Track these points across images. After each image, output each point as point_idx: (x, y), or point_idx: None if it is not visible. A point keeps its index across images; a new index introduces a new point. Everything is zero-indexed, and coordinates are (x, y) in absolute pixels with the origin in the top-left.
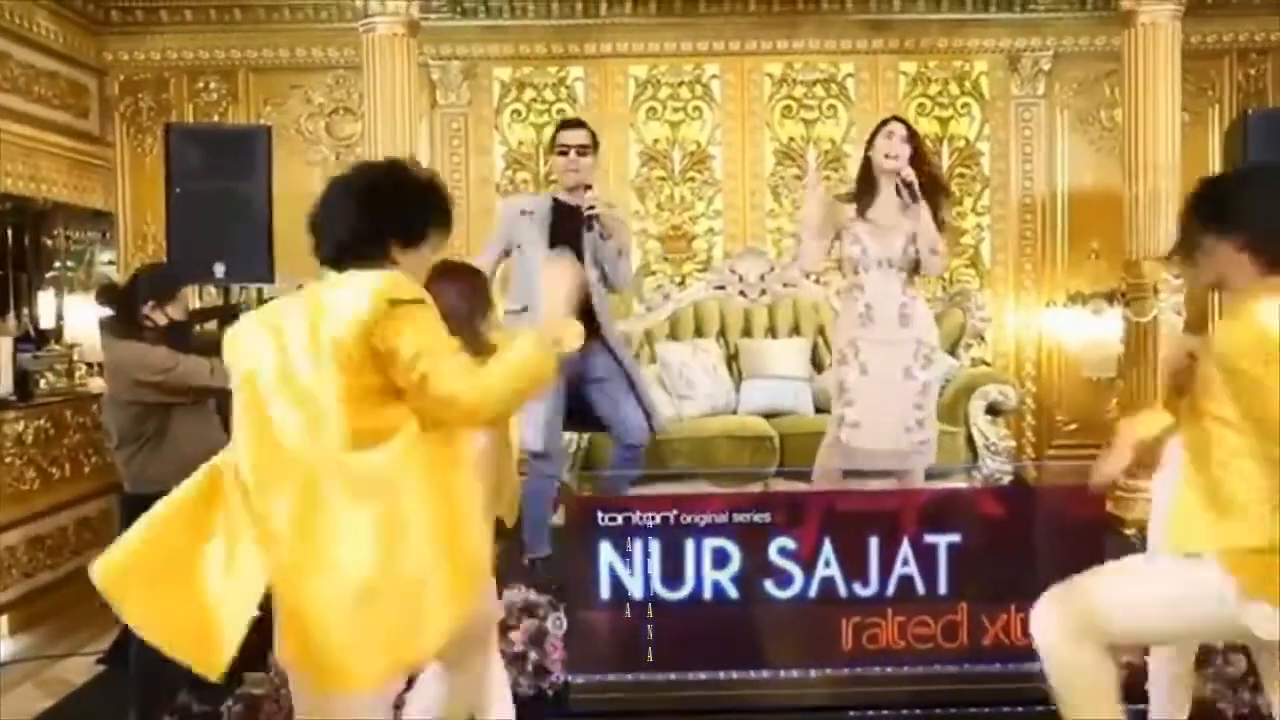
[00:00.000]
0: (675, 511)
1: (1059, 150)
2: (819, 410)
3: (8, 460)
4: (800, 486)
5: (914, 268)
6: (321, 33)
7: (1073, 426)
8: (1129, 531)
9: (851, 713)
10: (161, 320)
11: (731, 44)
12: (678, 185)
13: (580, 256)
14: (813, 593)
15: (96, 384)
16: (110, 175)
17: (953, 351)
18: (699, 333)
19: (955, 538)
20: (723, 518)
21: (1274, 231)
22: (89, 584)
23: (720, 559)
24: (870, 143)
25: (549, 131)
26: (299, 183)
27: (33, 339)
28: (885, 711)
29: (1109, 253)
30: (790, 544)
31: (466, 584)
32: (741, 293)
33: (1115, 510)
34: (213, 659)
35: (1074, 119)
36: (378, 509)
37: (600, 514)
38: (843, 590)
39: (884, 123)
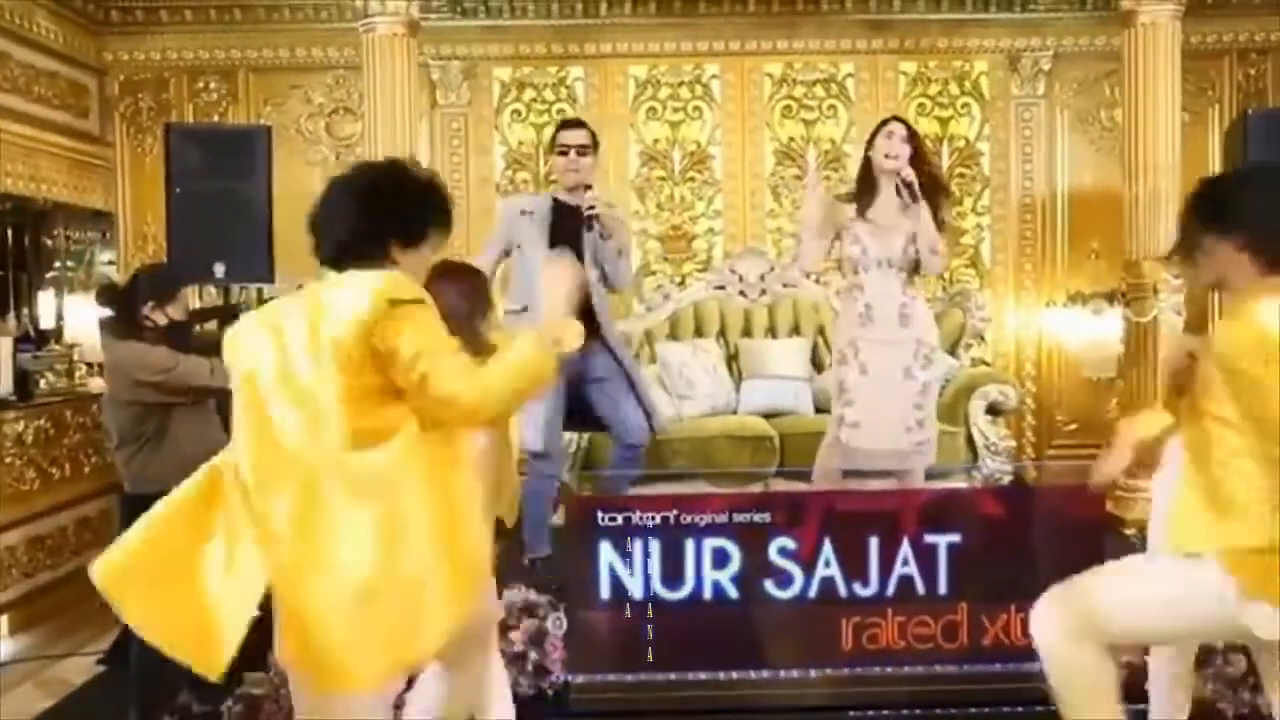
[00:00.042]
0: (675, 511)
1: (1059, 150)
2: (819, 410)
3: (8, 460)
4: (800, 486)
5: (914, 268)
6: (321, 33)
7: (1073, 426)
8: (1129, 531)
9: (851, 713)
10: (161, 320)
11: (731, 44)
12: (678, 185)
13: (580, 256)
14: (813, 593)
15: (96, 384)
16: (110, 175)
17: (953, 351)
18: (699, 333)
19: (955, 538)
20: (723, 518)
21: (1274, 231)
22: (89, 584)
23: (720, 559)
24: (870, 143)
25: (549, 131)
26: (299, 183)
27: (33, 339)
28: (885, 712)
29: (1109, 253)
30: (790, 544)
31: (466, 584)
32: (741, 293)
33: (1115, 510)
34: (212, 659)
35: (1074, 119)
36: (377, 509)
37: (600, 514)
38: (843, 590)
39: (884, 123)
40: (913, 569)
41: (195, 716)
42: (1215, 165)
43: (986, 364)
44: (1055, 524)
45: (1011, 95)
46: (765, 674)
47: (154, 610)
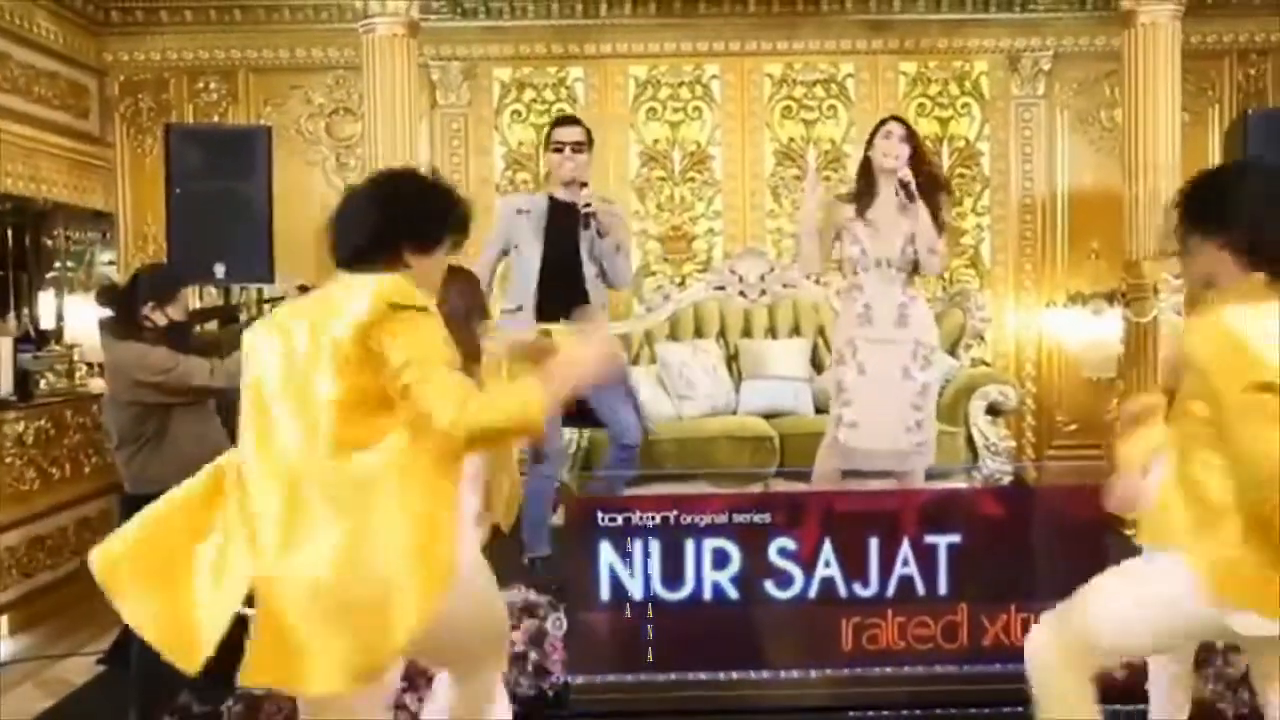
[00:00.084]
0: (675, 512)
1: (1059, 150)
2: (819, 411)
3: (8, 460)
4: (800, 487)
5: (913, 268)
6: (321, 33)
7: (1073, 427)
8: (1129, 532)
9: (851, 713)
10: (161, 321)
11: (731, 44)
12: (678, 186)
13: (577, 253)
14: (813, 593)
15: (97, 384)
16: (110, 175)
17: (953, 352)
18: (699, 333)
19: (955, 538)
20: (723, 518)
21: (1254, 229)
22: (89, 584)
23: (720, 559)
24: (869, 143)
25: None
26: (299, 183)
27: (33, 339)
28: (885, 712)
29: (1109, 253)
30: (790, 544)
31: (434, 590)
32: (741, 293)
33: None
34: (191, 655)
35: (1074, 119)
36: (347, 512)
37: (600, 514)
38: (843, 591)
39: (882, 122)
40: (913, 569)
41: (195, 716)
42: (1215, 165)
43: (986, 364)
44: (1055, 524)
45: (1011, 95)
46: (765, 674)
47: (143, 601)
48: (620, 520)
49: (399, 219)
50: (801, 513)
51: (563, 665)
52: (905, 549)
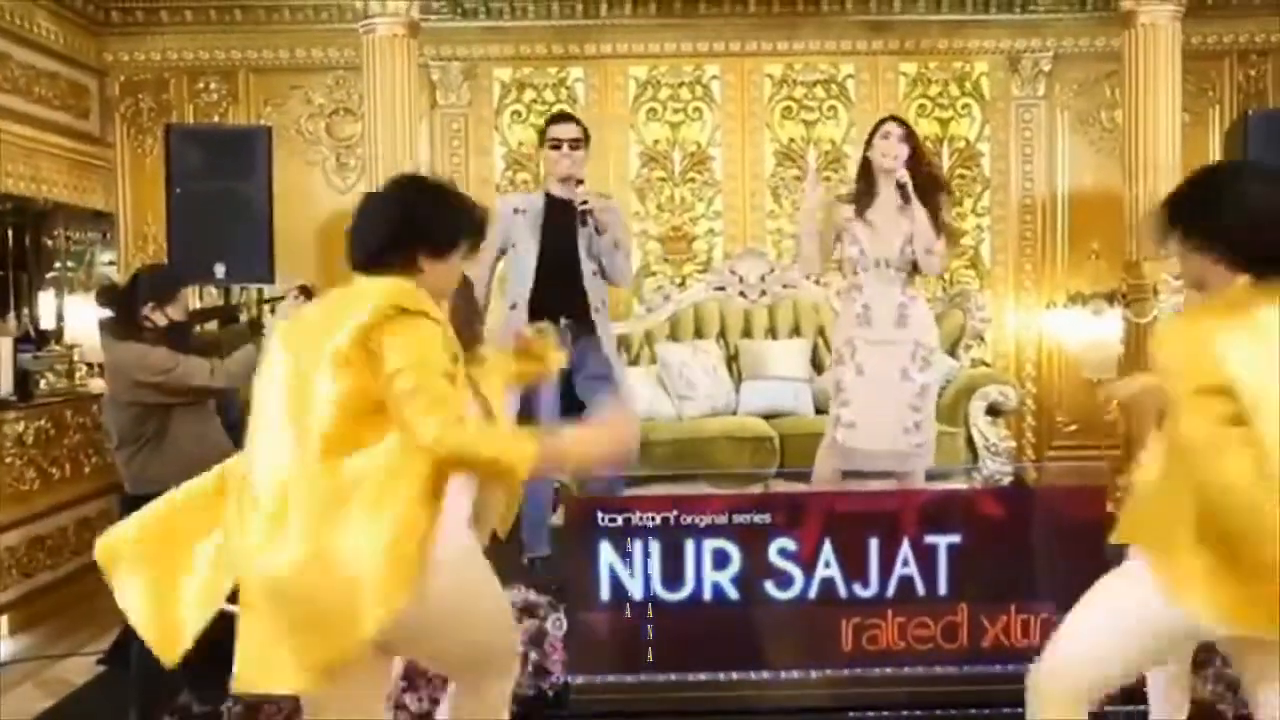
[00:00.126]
0: (675, 512)
1: (1059, 151)
2: (819, 411)
3: (8, 460)
4: (800, 487)
5: (913, 268)
6: (322, 33)
7: (1073, 427)
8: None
9: (851, 714)
10: (161, 321)
11: (732, 45)
12: (678, 186)
13: (575, 250)
14: (813, 594)
15: (97, 384)
16: (111, 176)
17: (953, 352)
18: (699, 333)
19: (955, 539)
20: (723, 519)
21: (1236, 234)
22: (89, 584)
23: (720, 560)
24: (868, 143)
25: None
26: (299, 183)
27: (33, 339)
28: (885, 713)
29: (1109, 253)
30: (790, 545)
31: (398, 589)
32: (741, 293)
33: (1115, 510)
34: (170, 645)
35: (1074, 120)
36: (329, 513)
37: (600, 514)
38: (843, 591)
39: (881, 123)
40: (913, 570)
41: (195, 716)
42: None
43: (986, 365)
44: (1055, 525)
45: (1012, 96)
46: (765, 675)
47: (135, 588)
48: (620, 520)
49: (415, 222)
50: (801, 513)
51: (563, 665)
52: (905, 549)
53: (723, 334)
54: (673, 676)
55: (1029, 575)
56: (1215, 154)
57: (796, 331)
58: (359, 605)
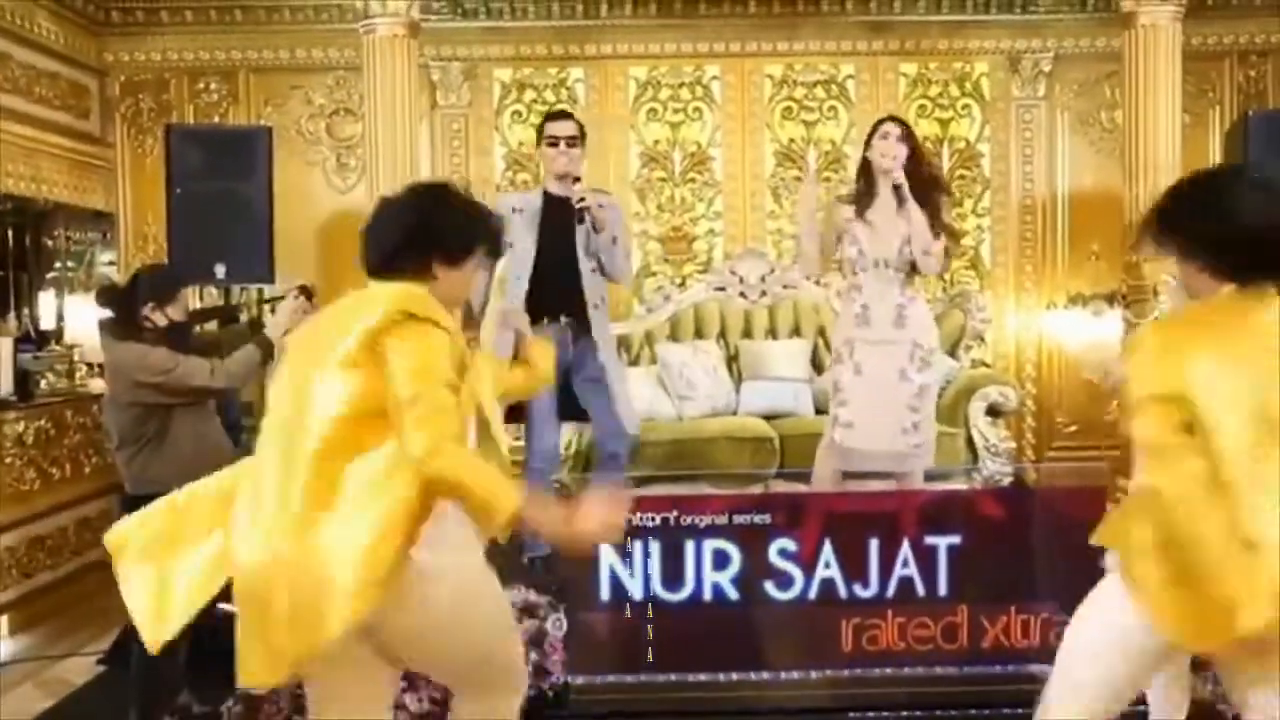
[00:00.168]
0: (675, 512)
1: (1059, 152)
2: (819, 412)
3: (8, 460)
4: (800, 488)
5: (911, 268)
6: (322, 34)
7: (1073, 428)
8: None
9: (851, 714)
10: (161, 321)
11: (732, 45)
12: (678, 186)
13: (572, 248)
14: (813, 594)
15: (97, 385)
16: (111, 176)
17: (953, 353)
18: (699, 334)
19: (955, 539)
20: (723, 519)
21: (1209, 241)
22: (89, 584)
23: (720, 560)
24: (867, 144)
25: None
26: (299, 184)
27: (33, 339)
28: (885, 713)
29: (1109, 254)
30: (790, 545)
31: (369, 590)
32: (742, 294)
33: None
34: (156, 630)
35: (1074, 120)
36: (317, 513)
37: None
38: (843, 592)
39: (879, 123)
40: (913, 570)
41: (195, 717)
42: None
43: (987, 365)
44: (1055, 526)
45: (1012, 97)
46: (765, 675)
47: (137, 571)
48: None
49: (431, 228)
50: (802, 514)
51: (563, 665)
52: (905, 550)
53: (723, 334)
54: (673, 677)
55: (1029, 576)
56: (1215, 155)
57: (797, 332)
58: (328, 604)
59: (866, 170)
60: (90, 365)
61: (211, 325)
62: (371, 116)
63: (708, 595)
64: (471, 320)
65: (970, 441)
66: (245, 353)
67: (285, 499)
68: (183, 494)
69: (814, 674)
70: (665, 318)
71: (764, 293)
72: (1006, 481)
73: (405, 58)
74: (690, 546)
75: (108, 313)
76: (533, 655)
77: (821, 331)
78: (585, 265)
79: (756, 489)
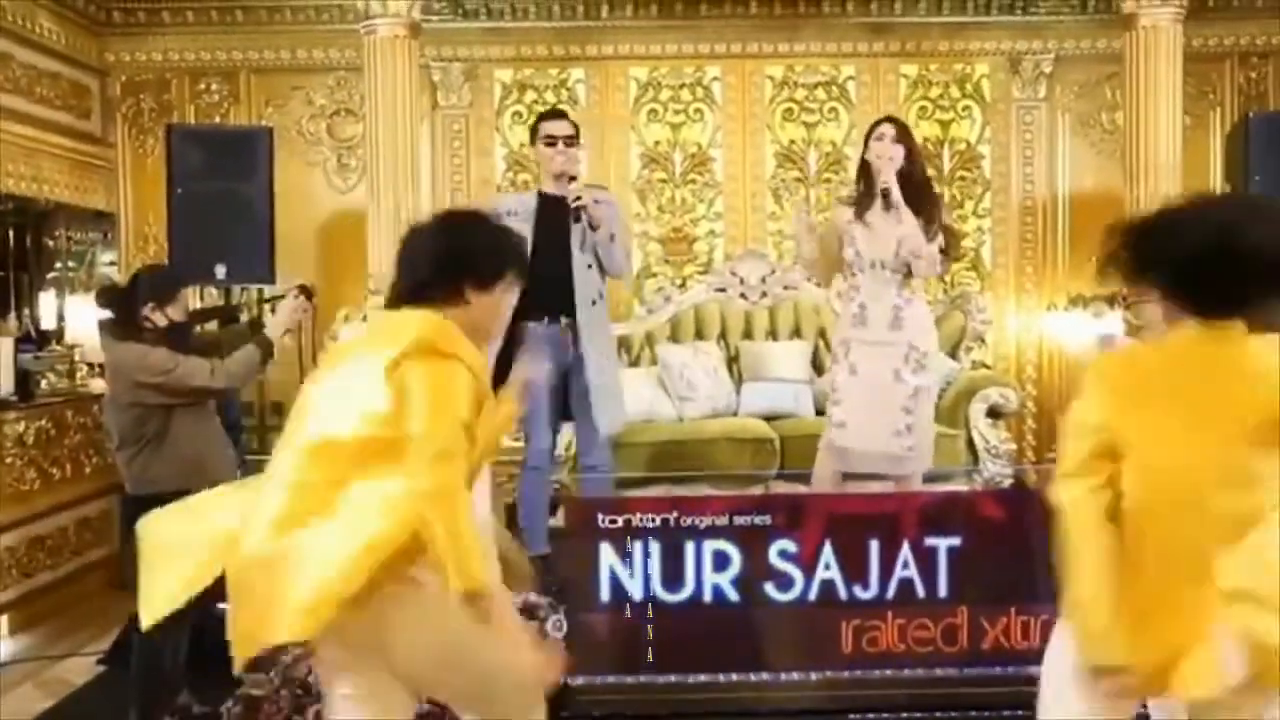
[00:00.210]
0: (675, 513)
1: (1060, 153)
2: (820, 413)
3: (8, 460)
4: (800, 489)
5: (908, 270)
6: (323, 34)
7: None
8: None
9: (851, 715)
10: (161, 321)
11: (733, 46)
12: (679, 187)
13: (568, 248)
14: (813, 595)
15: (97, 385)
16: (112, 176)
17: (953, 354)
18: (700, 335)
19: (955, 541)
20: (723, 520)
21: (1176, 280)
22: (89, 584)
23: (720, 561)
24: (865, 145)
25: None
26: (300, 184)
27: (34, 339)
28: (885, 714)
29: None
30: (790, 546)
31: (330, 598)
32: (742, 295)
33: None
34: (149, 608)
35: (1075, 122)
36: (317, 520)
37: (600, 515)
38: (843, 593)
39: (876, 124)
40: (913, 572)
41: (195, 717)
42: (1216, 168)
43: (987, 367)
44: (1055, 527)
45: (1012, 98)
46: (765, 677)
47: (154, 553)
48: (620, 522)
49: (463, 251)
50: (802, 515)
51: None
52: (905, 551)
53: (723, 335)
54: (673, 678)
55: (1029, 578)
56: (1216, 156)
57: (797, 333)
58: (279, 612)
59: (865, 172)
60: (91, 365)
61: (211, 325)
62: (372, 117)
63: (708, 596)
64: None
65: (970, 443)
66: (245, 353)
67: (289, 504)
68: (220, 491)
69: (814, 675)
70: (666, 319)
71: (764, 294)
72: (1007, 483)
73: (406, 58)
74: (690, 547)
75: (108, 313)
76: None
77: (822, 333)
78: (580, 262)
79: (757, 490)
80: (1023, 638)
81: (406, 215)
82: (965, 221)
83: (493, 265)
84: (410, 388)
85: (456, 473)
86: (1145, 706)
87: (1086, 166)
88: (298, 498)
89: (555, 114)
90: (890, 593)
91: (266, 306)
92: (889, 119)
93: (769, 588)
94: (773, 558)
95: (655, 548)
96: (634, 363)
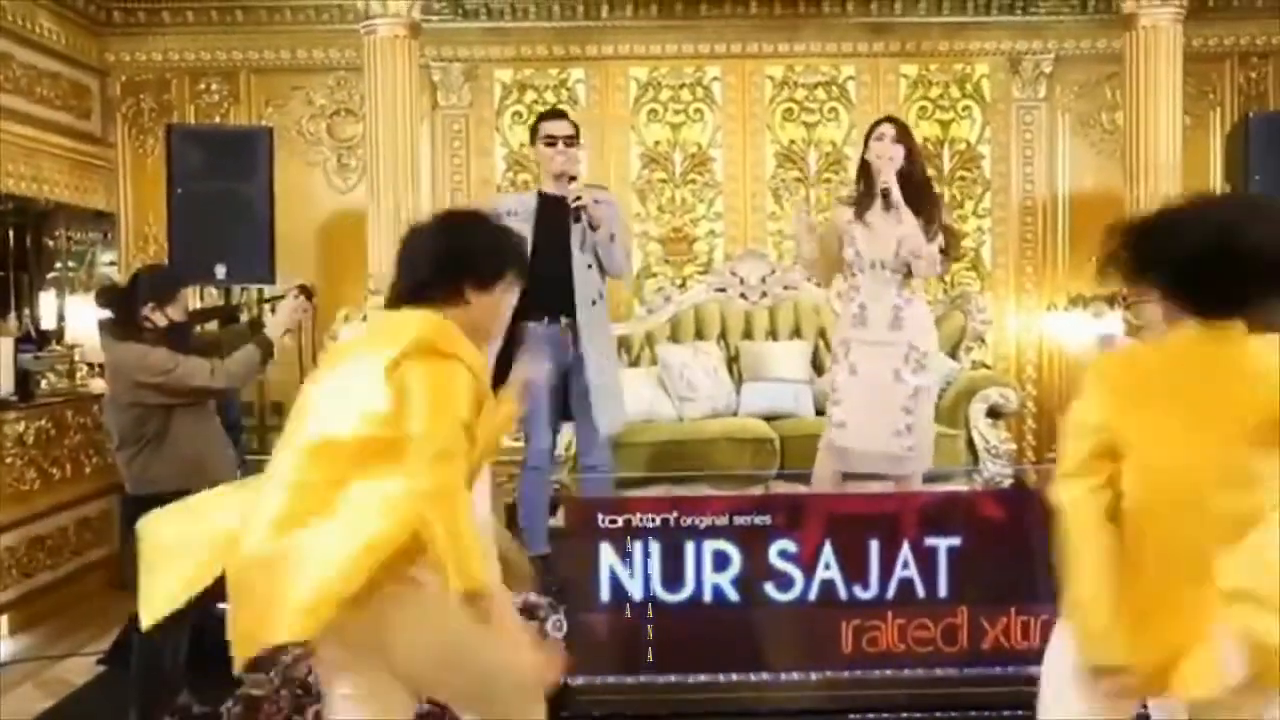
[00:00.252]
0: (675, 513)
1: (1060, 153)
2: (820, 413)
3: (8, 460)
4: (800, 489)
5: (908, 270)
6: (323, 34)
7: None
8: None
9: (851, 716)
10: (161, 321)
11: (733, 46)
12: (679, 187)
13: (568, 248)
14: (813, 595)
15: (97, 385)
16: (112, 176)
17: (953, 354)
18: (700, 335)
19: (955, 541)
20: (723, 520)
21: (1175, 282)
22: (89, 584)
23: (720, 561)
24: (865, 145)
25: None
26: (300, 184)
27: (34, 339)
28: (885, 715)
29: None
30: (790, 546)
31: (329, 598)
32: (742, 295)
33: None
34: (149, 607)
35: (1075, 122)
36: (315, 521)
37: (600, 516)
38: (843, 593)
39: (876, 124)
40: (913, 572)
41: (195, 717)
42: (1216, 168)
43: (987, 367)
44: (1055, 527)
45: (1012, 98)
46: (765, 677)
47: (154, 554)
48: (620, 522)
49: (463, 251)
50: (802, 515)
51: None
52: (905, 551)
53: (723, 335)
54: (673, 678)
55: (1029, 578)
56: (1216, 156)
57: (797, 333)
58: (279, 612)
59: (865, 172)
60: (91, 365)
61: (211, 325)
62: (372, 117)
63: (708, 596)
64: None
65: (971, 443)
66: (245, 353)
67: (290, 505)
68: (223, 490)
69: (814, 675)
70: (666, 319)
71: (764, 294)
72: (1007, 483)
73: (406, 58)
74: (690, 547)
75: (108, 313)
76: None
77: (822, 333)
78: (580, 261)
79: (757, 490)
80: (1023, 638)
81: (406, 215)
82: (965, 221)
83: (493, 265)
84: (410, 388)
85: (456, 473)
86: (1145, 706)
87: (1086, 166)
88: (298, 498)
89: (555, 114)
90: (890, 593)
91: (266, 306)
92: (889, 119)
93: (769, 588)
94: (773, 558)
95: (655, 548)
96: (634, 363)
